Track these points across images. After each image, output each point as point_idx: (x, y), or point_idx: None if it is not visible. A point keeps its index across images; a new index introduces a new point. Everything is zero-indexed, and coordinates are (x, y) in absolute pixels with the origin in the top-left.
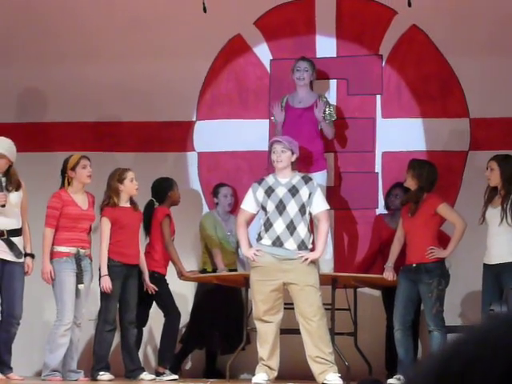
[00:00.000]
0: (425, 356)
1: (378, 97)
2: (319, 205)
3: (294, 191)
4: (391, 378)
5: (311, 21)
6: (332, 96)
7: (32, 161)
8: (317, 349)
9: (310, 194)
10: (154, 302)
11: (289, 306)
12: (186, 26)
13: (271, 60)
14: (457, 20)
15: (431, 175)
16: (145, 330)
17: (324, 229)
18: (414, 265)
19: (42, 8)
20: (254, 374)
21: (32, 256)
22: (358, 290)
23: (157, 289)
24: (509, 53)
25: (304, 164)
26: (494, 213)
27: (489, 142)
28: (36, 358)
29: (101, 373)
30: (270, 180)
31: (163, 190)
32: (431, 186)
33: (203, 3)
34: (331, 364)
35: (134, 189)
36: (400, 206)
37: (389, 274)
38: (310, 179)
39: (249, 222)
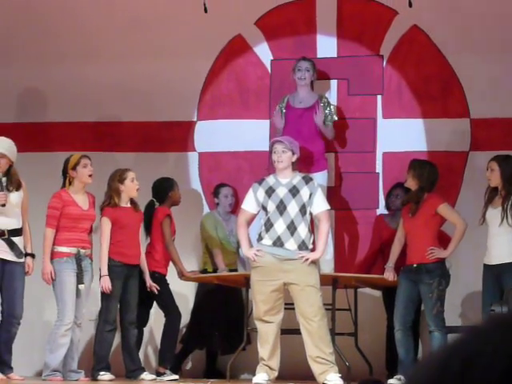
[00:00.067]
0: (425, 356)
1: (379, 97)
2: (320, 205)
3: (294, 191)
4: (392, 378)
5: (312, 21)
6: (333, 96)
7: (32, 161)
8: (317, 349)
9: (310, 195)
10: (155, 302)
11: (289, 306)
12: (186, 25)
13: (272, 60)
14: (457, 20)
15: (432, 175)
16: (145, 330)
17: (324, 229)
18: (415, 265)
19: (42, 8)
20: (254, 374)
21: (32, 256)
22: (359, 290)
23: (159, 288)
24: (509, 53)
25: (305, 164)
26: (494, 213)
27: (489, 143)
28: (36, 357)
29: (101, 373)
30: (270, 180)
31: (164, 190)
32: (432, 186)
33: (204, 3)
34: (332, 364)
35: (135, 189)
36: (401, 206)
37: (389, 275)
38: (311, 179)
39: (249, 222)
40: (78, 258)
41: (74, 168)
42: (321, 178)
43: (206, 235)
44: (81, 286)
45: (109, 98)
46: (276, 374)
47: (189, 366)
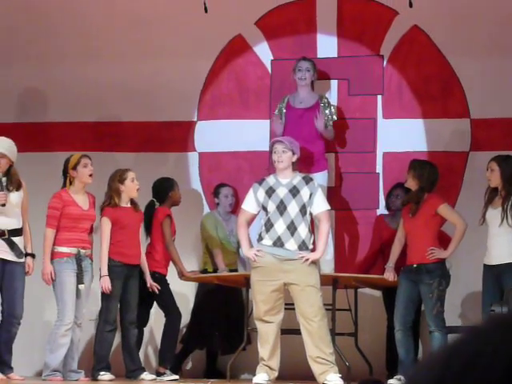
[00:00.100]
0: (425, 356)
1: (379, 97)
2: (320, 205)
3: (294, 192)
4: (392, 378)
5: (312, 21)
6: (333, 96)
7: (32, 161)
8: (317, 349)
9: (310, 195)
10: (155, 302)
11: (289, 307)
12: (186, 25)
13: (272, 60)
14: (458, 21)
15: (432, 175)
16: (145, 330)
17: (325, 229)
18: (415, 265)
19: (43, 8)
20: (254, 375)
21: (33, 256)
22: (359, 290)
23: (160, 288)
24: (510, 53)
25: (305, 164)
26: (494, 213)
27: (490, 143)
28: (36, 357)
29: (101, 373)
30: (270, 180)
31: (164, 190)
32: (432, 186)
33: (204, 3)
34: (332, 364)
35: (135, 189)
36: (401, 206)
37: (389, 275)
38: (311, 179)
39: (249, 223)
40: (79, 259)
41: (74, 168)
42: (321, 178)
43: (206, 235)
44: (81, 286)
45: (109, 98)
46: (276, 374)
47: (189, 366)
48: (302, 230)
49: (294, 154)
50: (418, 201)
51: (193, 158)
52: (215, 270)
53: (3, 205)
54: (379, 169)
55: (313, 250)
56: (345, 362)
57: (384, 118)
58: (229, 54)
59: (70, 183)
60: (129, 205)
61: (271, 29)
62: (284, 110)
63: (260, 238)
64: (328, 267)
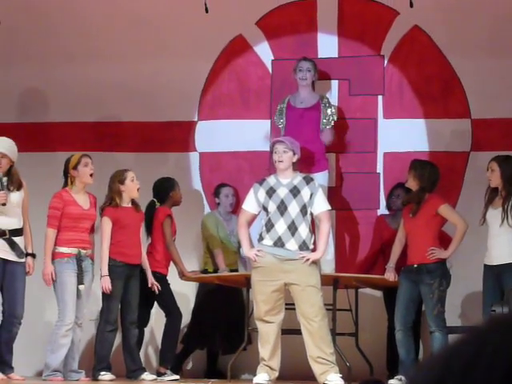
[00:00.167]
0: (426, 357)
1: (380, 97)
2: (320, 205)
3: (295, 192)
4: (392, 378)
5: (313, 21)
6: (334, 96)
7: (33, 161)
8: (318, 349)
9: (311, 195)
10: (156, 302)
11: (290, 307)
12: (187, 26)
13: (273, 60)
14: (458, 21)
15: (433, 176)
16: (146, 330)
17: (325, 229)
18: (415, 265)
19: (43, 8)
20: (255, 375)
21: (33, 256)
22: (360, 290)
23: (160, 288)
24: (510, 54)
25: (305, 164)
26: (494, 214)
27: (490, 143)
28: (37, 358)
29: (102, 373)
30: (271, 180)
31: (165, 190)
32: (433, 186)
33: (205, 3)
34: (332, 364)
35: (136, 188)
36: (401, 206)
37: (390, 275)
38: (312, 179)
39: (250, 223)
40: (79, 259)
41: (75, 167)
42: (321, 178)
43: (206, 235)
44: (81, 287)
45: (110, 98)
46: (277, 374)
47: (189, 366)
48: (303, 230)
49: (294, 154)
50: (419, 201)
51: (193, 158)
52: (216, 270)
53: (4, 204)
54: (380, 169)
55: (313, 250)
56: (345, 362)
57: (385, 118)
58: (229, 53)
59: (71, 183)
60: (130, 205)
61: (272, 29)
62: (284, 110)
63: (260, 238)
64: (328, 267)
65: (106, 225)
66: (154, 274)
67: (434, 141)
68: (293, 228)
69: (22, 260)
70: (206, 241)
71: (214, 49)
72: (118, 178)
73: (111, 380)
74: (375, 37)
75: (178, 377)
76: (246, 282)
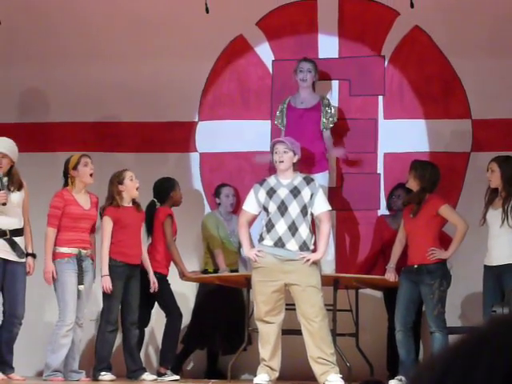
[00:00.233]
0: (426, 357)
1: (380, 98)
2: (321, 206)
3: (295, 192)
4: (393, 379)
5: (313, 21)
6: (334, 97)
7: (33, 161)
8: (318, 349)
9: (311, 195)
10: (156, 303)
11: (290, 307)
12: (188, 26)
13: (273, 60)
14: (459, 21)
15: (433, 176)
16: (146, 330)
17: (326, 230)
18: (416, 266)
19: (44, 8)
20: (255, 375)
21: (34, 256)
22: (360, 290)
23: (159, 289)
24: (510, 54)
25: (306, 165)
26: (494, 214)
27: (491, 143)
28: (38, 358)
29: (102, 373)
30: (271, 181)
31: (165, 190)
32: (433, 186)
33: (205, 4)
34: (333, 365)
35: (135, 187)
36: (402, 206)
37: (390, 275)
38: (312, 180)
39: (250, 223)
40: (79, 259)
41: (75, 167)
42: (322, 178)
43: (207, 235)
44: (80, 287)
45: (110, 99)
46: (277, 374)
47: (190, 366)
48: (303, 231)
49: (295, 154)
50: (420, 201)
51: (194, 159)
52: (216, 271)
53: (4, 204)
54: (380, 169)
55: (314, 251)
56: (346, 363)
57: (385, 119)
58: (230, 54)
59: (71, 183)
60: (131, 204)
61: (272, 29)
62: (285, 111)
63: (261, 239)
64: (329, 268)
65: (107, 224)
66: (154, 274)
67: (434, 141)
68: (293, 228)
69: (23, 260)
70: (206, 241)
71: (214, 49)
72: (117, 178)
73: (111, 380)
74: (376, 37)
75: (178, 377)
76: (247, 282)
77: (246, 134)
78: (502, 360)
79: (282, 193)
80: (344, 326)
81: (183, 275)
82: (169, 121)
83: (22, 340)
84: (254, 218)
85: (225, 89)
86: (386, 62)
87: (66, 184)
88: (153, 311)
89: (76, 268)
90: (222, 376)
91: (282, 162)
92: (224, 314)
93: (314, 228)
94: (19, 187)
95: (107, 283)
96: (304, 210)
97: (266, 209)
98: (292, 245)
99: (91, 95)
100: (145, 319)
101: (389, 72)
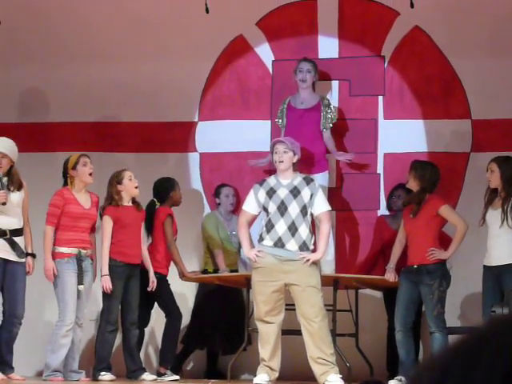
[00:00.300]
0: (426, 357)
1: (380, 98)
2: (321, 206)
3: (295, 192)
4: (392, 379)
5: (313, 22)
6: (334, 97)
7: (33, 161)
8: (318, 350)
9: (311, 195)
10: (156, 303)
11: (290, 307)
12: (188, 26)
13: (273, 61)
14: (459, 21)
15: (433, 176)
16: (146, 330)
17: (325, 230)
18: (415, 266)
19: (44, 8)
20: (255, 375)
21: (33, 256)
22: (360, 291)
23: (157, 289)
24: (510, 54)
25: (306, 165)
26: (494, 215)
27: (491, 144)
28: (37, 358)
29: (102, 373)
30: (271, 181)
31: (165, 190)
32: (433, 186)
33: (205, 4)
34: (332, 365)
35: (134, 187)
36: (402, 207)
37: (390, 276)
38: (312, 180)
39: (250, 223)
40: (79, 259)
41: (74, 167)
42: (322, 178)
43: (207, 235)
44: (80, 287)
45: (110, 99)
46: (277, 374)
47: (190, 366)
48: (303, 231)
49: (295, 154)
50: (420, 201)
51: (194, 159)
52: (216, 271)
53: (4, 203)
54: (380, 169)
55: (313, 251)
56: (345, 363)
57: (385, 119)
58: (230, 54)
59: (71, 183)
60: (130, 204)
61: (272, 29)
62: (285, 111)
63: (261, 239)
64: (329, 268)
65: (107, 224)
66: (154, 274)
67: (434, 141)
68: (293, 228)
69: (23, 260)
70: (206, 241)
71: (214, 49)
72: (116, 178)
73: (111, 380)
74: (375, 37)
75: (178, 377)
76: (246, 282)
77: (246, 134)
78: (502, 360)
79: (282, 193)
80: (344, 326)
81: (183, 275)
82: (169, 121)
83: (22, 340)
84: (254, 218)
85: (225, 89)
86: (386, 63)
87: (65, 184)
88: (152, 311)
89: (76, 268)
90: (221, 376)
91: (282, 162)
92: (224, 314)
93: (313, 228)
94: (19, 187)
95: (107, 283)
96: (304, 210)
97: (265, 209)
98: (292, 245)
99: (91, 95)
100: (144, 319)
101: (389, 72)
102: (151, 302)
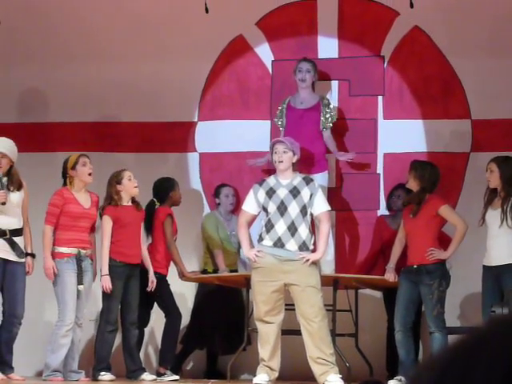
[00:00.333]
0: (426, 357)
1: (380, 98)
2: (320, 206)
3: (295, 192)
4: (392, 379)
5: (313, 22)
6: (334, 97)
7: (33, 161)
8: (318, 350)
9: (311, 195)
10: (155, 303)
11: (290, 307)
12: (187, 26)
13: (273, 61)
14: (459, 21)
15: (433, 176)
16: (146, 330)
17: (325, 230)
18: (415, 266)
19: (44, 8)
20: (254, 375)
21: (33, 256)
22: (359, 291)
23: (157, 290)
24: (510, 54)
25: (305, 165)
26: (493, 215)
27: (490, 144)
28: (37, 358)
29: (102, 373)
30: (271, 181)
31: (164, 189)
32: (433, 186)
33: (205, 4)
34: (332, 365)
35: (134, 187)
36: (402, 206)
37: (390, 276)
38: (312, 180)
39: (250, 223)
40: (79, 259)
41: (73, 167)
42: (321, 178)
43: (206, 235)
44: (80, 287)
45: (110, 99)
46: (276, 374)
47: (189, 366)
48: (303, 231)
49: (294, 154)
50: (420, 201)
51: (193, 159)
52: (215, 271)
53: (3, 203)
54: (380, 169)
55: (313, 251)
56: (345, 363)
57: (385, 119)
58: (230, 54)
59: (70, 183)
60: (130, 203)
61: (272, 29)
62: (284, 111)
63: (260, 239)
64: (328, 268)
65: (107, 223)
66: (154, 274)
67: (434, 141)
68: (293, 228)
69: (22, 260)
70: (205, 241)
71: (214, 49)
72: (115, 178)
73: (111, 380)
74: (375, 37)
75: (177, 377)
76: (246, 282)
77: (246, 134)
78: (502, 360)
79: (282, 193)
80: (343, 326)
81: (183, 275)
82: (168, 121)
83: (22, 340)
84: (254, 218)
85: (224, 89)
86: (386, 63)
87: (64, 184)
88: (152, 311)
89: (75, 268)
90: (221, 376)
91: (282, 162)
92: (223, 314)
93: (313, 228)
94: (19, 187)
95: (107, 283)
96: (303, 210)
97: (265, 209)
98: (291, 245)
99: (91, 95)
100: (144, 319)
101: (388, 72)
102: (151, 302)
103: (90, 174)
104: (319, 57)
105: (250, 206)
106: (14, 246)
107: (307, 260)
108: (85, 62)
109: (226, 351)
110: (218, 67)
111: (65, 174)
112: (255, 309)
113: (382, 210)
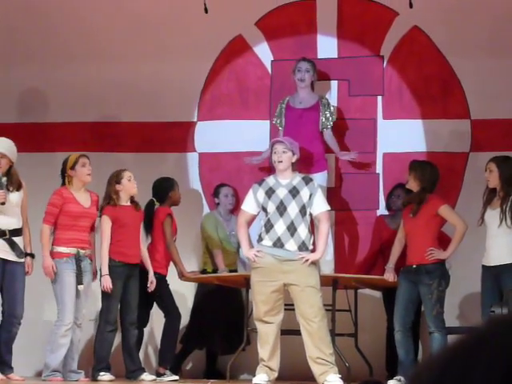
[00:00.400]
0: (425, 357)
1: (379, 98)
2: (320, 206)
3: (294, 192)
4: (392, 379)
5: (312, 21)
6: (333, 97)
7: (33, 161)
8: (317, 350)
9: (310, 195)
10: (155, 303)
11: (289, 307)
12: (187, 26)
13: (272, 60)
14: (458, 21)
15: (433, 176)
16: (145, 330)
17: (324, 230)
18: (414, 266)
19: (44, 8)
20: (254, 375)
21: (32, 256)
22: (359, 291)
23: (156, 289)
24: (510, 54)
25: (305, 165)
26: (492, 214)
27: (490, 143)
28: (37, 358)
29: (101, 373)
30: (270, 181)
31: (164, 189)
32: (433, 186)
33: (204, 4)
34: (332, 365)
35: (133, 187)
36: (402, 206)
37: (389, 275)
38: (311, 180)
39: (249, 223)
40: (78, 259)
41: (72, 167)
42: (321, 178)
43: (206, 235)
44: (80, 287)
45: (109, 99)
46: (276, 374)
47: (189, 366)
48: (302, 231)
49: (293, 154)
50: (420, 201)
51: (193, 159)
52: (215, 271)
53: (3, 203)
54: (379, 169)
55: (313, 251)
56: (345, 363)
57: (384, 119)
58: (229, 54)
59: (69, 183)
60: (129, 203)
61: (271, 29)
62: (284, 111)
63: (260, 239)
64: (328, 268)
65: (106, 224)
66: (154, 274)
67: (433, 141)
68: (292, 228)
69: (22, 260)
70: (205, 241)
71: (213, 49)
72: (115, 178)
73: (110, 380)
74: (374, 37)
75: (177, 377)
76: (246, 282)
77: (245, 134)
78: (501, 360)
79: (281, 193)
80: (343, 326)
81: (182, 275)
82: (168, 121)
83: (21, 340)
84: (253, 218)
85: (224, 89)
86: (385, 62)
87: (63, 183)
88: (152, 311)
89: (74, 268)
90: (221, 376)
91: (281, 161)
92: (223, 314)
93: (312, 228)
94: (18, 187)
95: (107, 283)
96: (303, 210)
97: (264, 209)
98: (291, 245)
99: (91, 95)
100: (144, 319)
101: (388, 72)
102: (150, 302)
103: (88, 175)
104: (318, 57)
105: (249, 205)
106: (13, 246)
107: (306, 260)
108: (85, 62)
109: (225, 351)
110: (217, 67)
111: (64, 174)
112: (255, 309)
113: (382, 210)
